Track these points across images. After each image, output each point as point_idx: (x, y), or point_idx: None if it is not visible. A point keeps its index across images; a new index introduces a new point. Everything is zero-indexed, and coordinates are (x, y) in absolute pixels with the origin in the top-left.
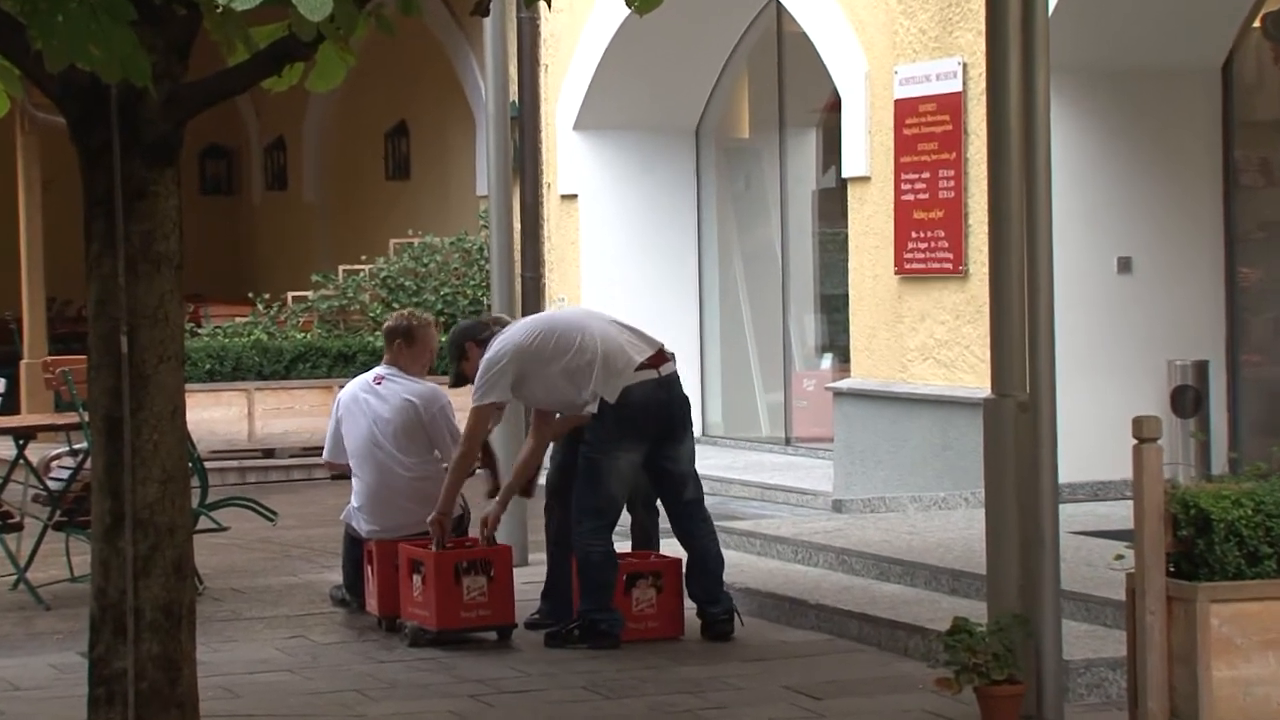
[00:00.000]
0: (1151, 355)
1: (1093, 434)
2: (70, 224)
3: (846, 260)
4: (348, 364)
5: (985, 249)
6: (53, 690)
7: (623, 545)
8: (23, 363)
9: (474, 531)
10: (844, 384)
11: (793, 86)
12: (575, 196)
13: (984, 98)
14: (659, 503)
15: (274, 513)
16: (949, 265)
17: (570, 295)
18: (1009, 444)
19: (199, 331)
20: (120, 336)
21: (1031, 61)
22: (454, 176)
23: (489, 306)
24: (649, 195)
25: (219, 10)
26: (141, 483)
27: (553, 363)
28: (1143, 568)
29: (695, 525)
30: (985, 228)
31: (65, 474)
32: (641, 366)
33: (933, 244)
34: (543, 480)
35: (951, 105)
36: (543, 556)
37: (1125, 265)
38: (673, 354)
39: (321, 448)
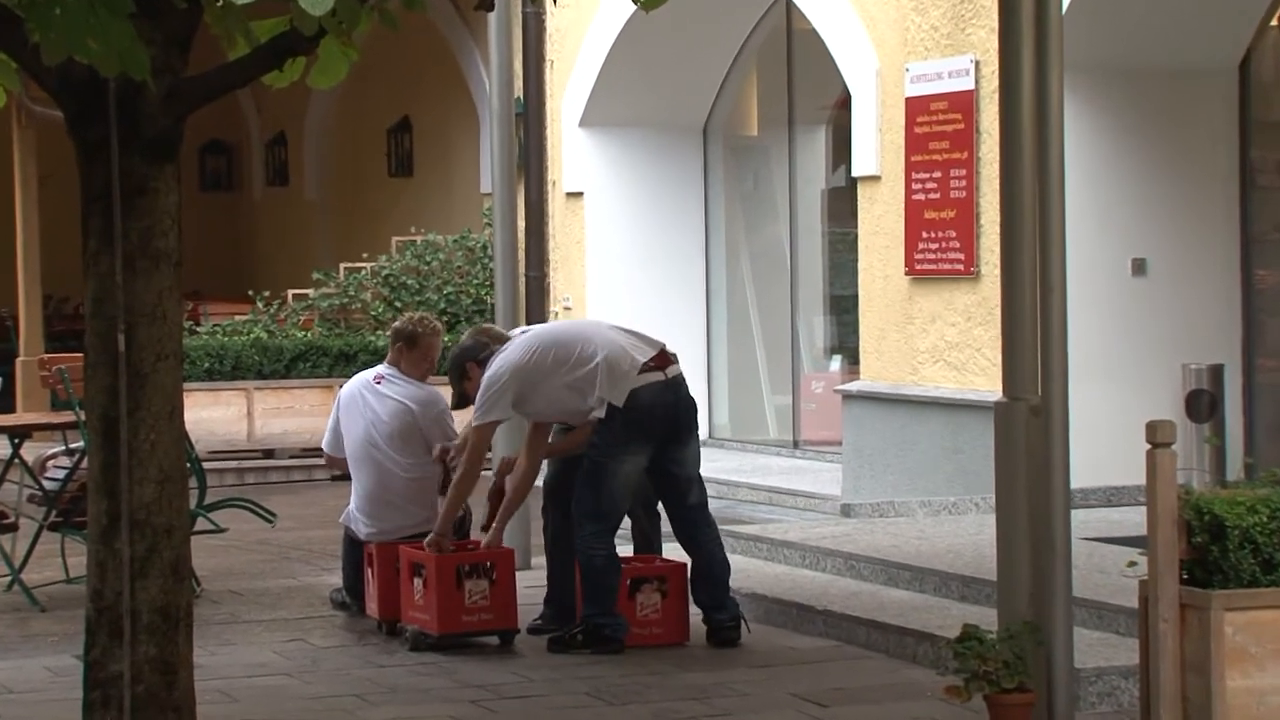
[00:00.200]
0: (1166, 358)
1: (1106, 438)
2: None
3: (856, 260)
4: (349, 363)
5: (997, 250)
6: (48, 694)
7: (623, 549)
8: (19, 360)
9: (475, 534)
10: (853, 386)
11: (802, 84)
12: (580, 194)
13: (996, 96)
14: (660, 506)
15: (273, 514)
16: (960, 266)
17: (575, 295)
18: (1020, 448)
19: (198, 330)
20: (118, 334)
21: (1045, 59)
22: (457, 173)
23: (492, 306)
24: (655, 194)
25: (220, 4)
26: (138, 483)
27: (553, 376)
28: (1156, 575)
29: (700, 530)
30: (997, 228)
31: (61, 474)
32: (646, 368)
33: (944, 244)
34: (540, 481)
35: (963, 103)
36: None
37: (1140, 267)
38: (675, 355)
39: (320, 448)
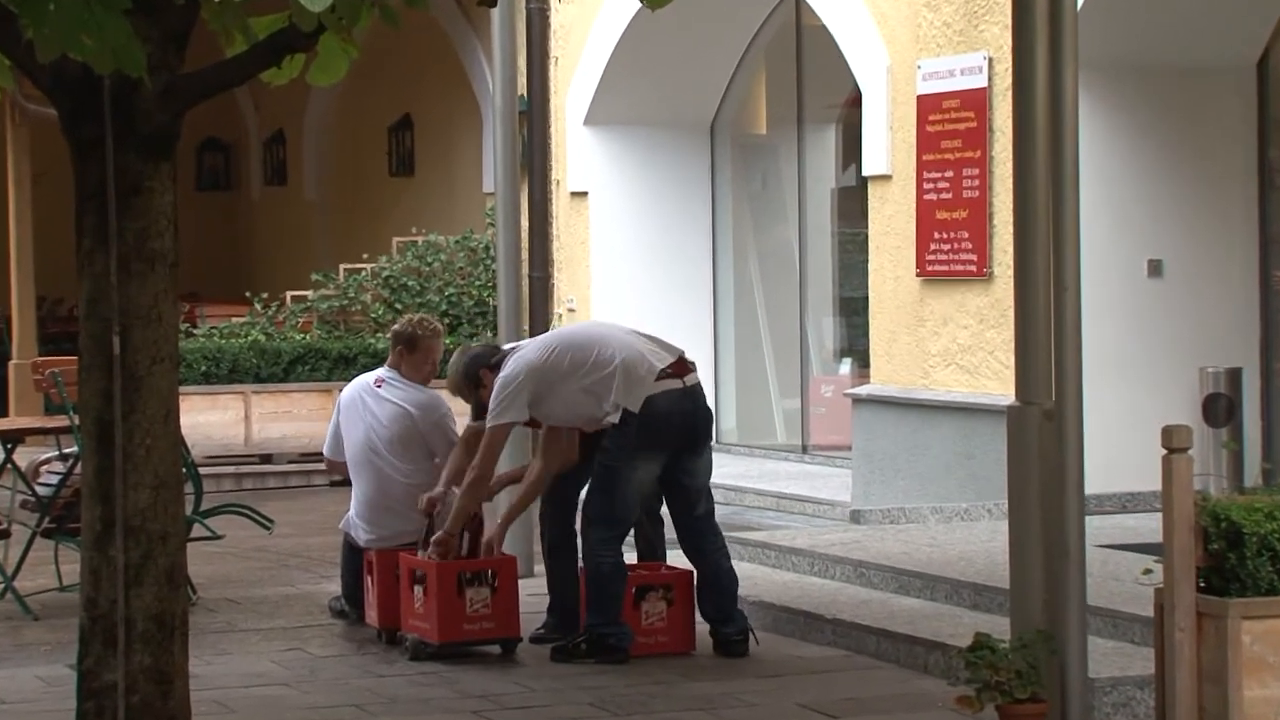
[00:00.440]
0: (1182, 362)
1: (1121, 443)
2: (61, 220)
3: (866, 261)
4: (348, 366)
5: (1010, 250)
6: (41, 704)
7: (627, 556)
8: (11, 363)
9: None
10: (863, 390)
11: (812, 81)
12: (585, 194)
13: (1010, 93)
14: (664, 514)
15: (271, 520)
16: (973, 267)
17: (579, 296)
18: (1034, 453)
19: (194, 332)
20: (112, 337)
21: (1059, 56)
22: (459, 173)
23: (495, 308)
24: (662, 193)
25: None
26: (133, 488)
27: (569, 379)
28: (1172, 582)
29: (706, 540)
30: (1010, 228)
31: (55, 479)
32: (663, 375)
33: (956, 245)
34: None
35: (976, 101)
36: None
37: (1156, 268)
38: (694, 363)
39: (320, 453)
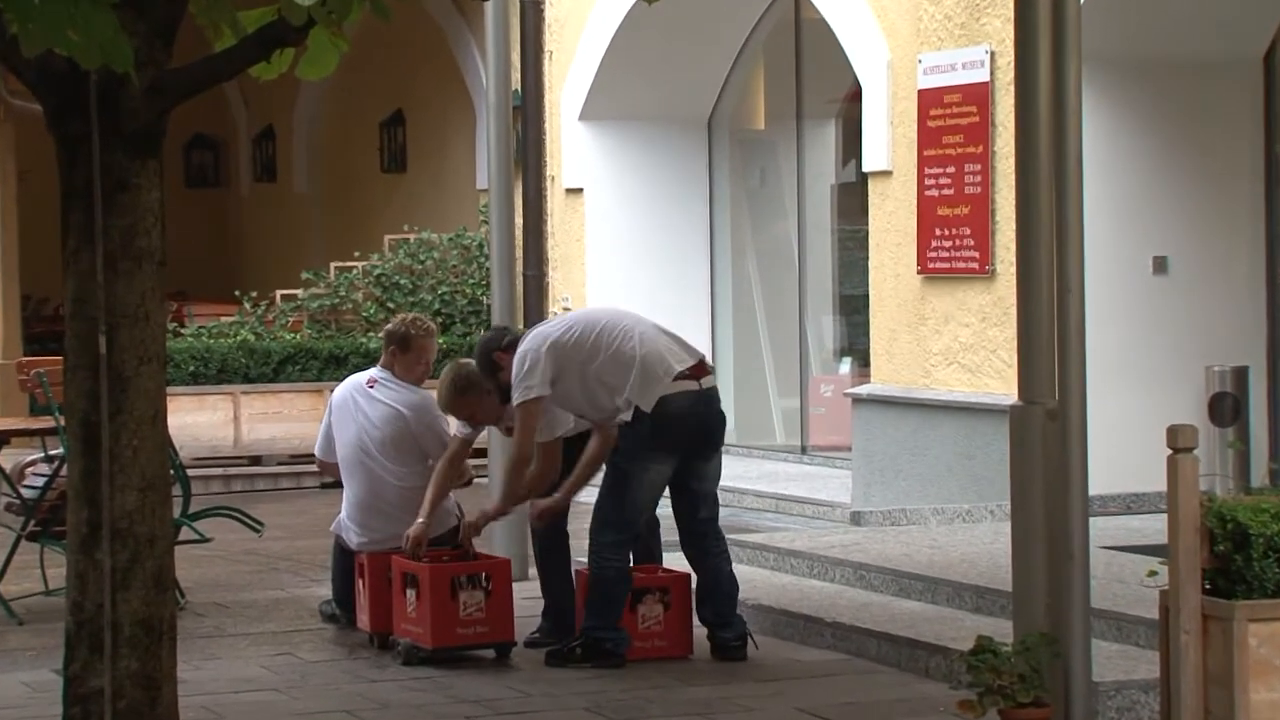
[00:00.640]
0: (1188, 361)
1: (1125, 443)
2: (47, 217)
3: (867, 259)
4: (339, 366)
5: (1013, 247)
6: (26, 710)
7: None
8: None
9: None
10: (863, 390)
11: (811, 75)
12: (580, 190)
13: (1012, 88)
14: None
15: (260, 523)
16: (975, 265)
17: (574, 294)
18: (1037, 454)
19: (182, 332)
20: (99, 336)
21: (1062, 50)
22: (453, 169)
23: (489, 307)
24: (658, 189)
25: None
26: (120, 491)
27: (588, 364)
28: (1177, 585)
29: (709, 544)
30: (1013, 225)
31: (40, 481)
32: (680, 376)
33: (958, 242)
34: None
35: (978, 96)
36: None
37: (1160, 265)
38: (713, 367)
39: (311, 455)
